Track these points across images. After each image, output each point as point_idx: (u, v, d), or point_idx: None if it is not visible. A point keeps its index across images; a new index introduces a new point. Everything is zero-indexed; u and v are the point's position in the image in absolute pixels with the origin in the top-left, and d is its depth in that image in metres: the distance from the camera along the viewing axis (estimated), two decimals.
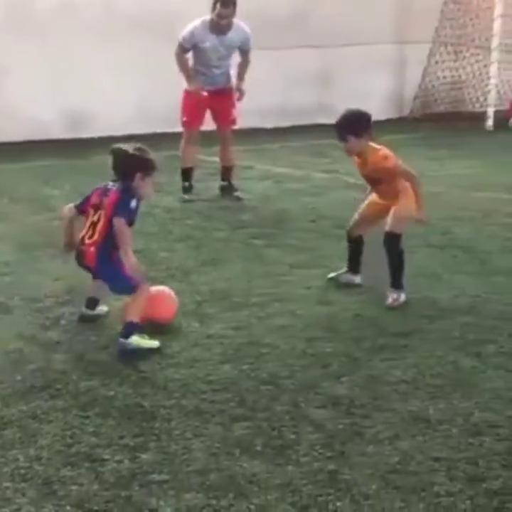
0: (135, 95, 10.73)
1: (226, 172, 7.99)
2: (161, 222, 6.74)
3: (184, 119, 7.72)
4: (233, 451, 3.12)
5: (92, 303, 4.52)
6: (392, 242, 4.88)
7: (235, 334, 4.31)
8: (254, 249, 5.98)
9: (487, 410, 3.45)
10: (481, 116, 12.58)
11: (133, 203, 4.26)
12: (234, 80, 7.75)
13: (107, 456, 3.06)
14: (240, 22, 7.56)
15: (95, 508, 2.76)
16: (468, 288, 5.08)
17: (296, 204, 7.47)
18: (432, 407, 3.48)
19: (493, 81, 12.51)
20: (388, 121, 13.33)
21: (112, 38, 10.55)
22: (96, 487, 2.86)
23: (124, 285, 4.22)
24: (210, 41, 7.47)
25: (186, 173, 7.81)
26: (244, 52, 7.72)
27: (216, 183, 8.28)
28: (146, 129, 10.47)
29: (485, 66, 12.75)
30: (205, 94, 7.56)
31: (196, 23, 7.53)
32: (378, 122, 13.85)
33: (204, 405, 3.50)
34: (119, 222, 4.19)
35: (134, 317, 4.16)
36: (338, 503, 2.79)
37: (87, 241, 4.28)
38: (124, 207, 4.23)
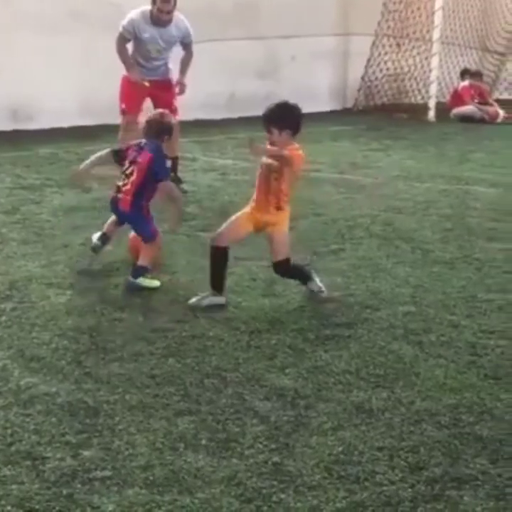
0: (77, 87, 10.59)
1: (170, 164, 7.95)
2: (105, 215, 6.66)
3: (123, 106, 7.64)
4: (177, 446, 3.11)
5: (106, 239, 5.23)
6: (285, 268, 4.68)
7: (179, 327, 4.29)
8: (200, 242, 5.95)
9: (428, 399, 3.50)
10: (423, 108, 12.76)
11: (168, 163, 5.19)
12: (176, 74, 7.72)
13: (48, 454, 3.02)
14: (180, 15, 7.51)
15: (36, 507, 2.71)
16: (410, 278, 5.14)
17: (242, 196, 7.44)
18: (375, 397, 3.52)
19: (434, 73, 12.70)
20: (333, 112, 13.45)
21: (52, 29, 10.38)
22: (37, 486, 2.82)
23: (146, 232, 5.01)
24: (149, 33, 7.43)
25: None
26: (186, 46, 7.69)
27: None
28: (90, 120, 10.35)
29: (426, 58, 12.94)
30: (146, 84, 7.51)
31: (136, 13, 7.47)
32: (323, 114, 14.11)
33: (148, 400, 3.47)
34: (168, 186, 5.09)
35: (146, 262, 4.94)
36: (283, 495, 2.80)
37: (123, 189, 4.97)
38: (163, 169, 5.08)
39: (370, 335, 4.23)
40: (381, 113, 12.95)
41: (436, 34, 12.50)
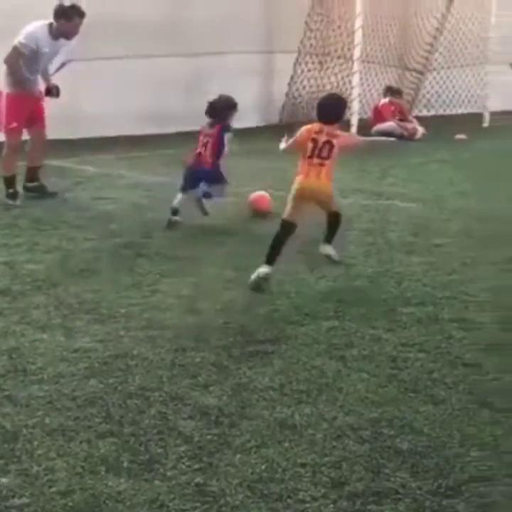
0: None
1: (33, 172, 7.89)
2: (28, 233, 6.55)
3: (14, 125, 7.55)
4: (98, 469, 3.05)
5: (176, 212, 6.77)
6: (337, 219, 5.71)
7: (102, 347, 4.23)
8: (124, 260, 5.90)
9: (350, 413, 3.53)
10: (346, 125, 12.97)
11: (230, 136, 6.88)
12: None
13: None
14: None
15: None
16: (333, 293, 5.20)
17: (167, 213, 7.43)
18: (298, 413, 3.53)
19: (355, 90, 12.92)
20: (259, 128, 13.53)
21: None
22: None
23: (223, 178, 6.86)
24: (49, 47, 7.51)
25: (11, 181, 7.63)
26: (68, 55, 7.91)
27: (85, 193, 8.15)
28: None
29: (348, 76, 13.16)
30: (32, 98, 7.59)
31: (38, 27, 7.48)
32: (249, 130, 14.13)
33: (68, 423, 3.41)
34: (227, 137, 6.90)
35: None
36: None
37: (203, 154, 6.85)
38: (228, 128, 6.90)
39: (293, 350, 4.26)
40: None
41: (356, 53, 12.73)
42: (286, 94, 13.55)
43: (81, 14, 7.55)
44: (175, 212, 6.79)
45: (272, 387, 3.80)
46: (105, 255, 6.00)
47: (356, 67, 12.84)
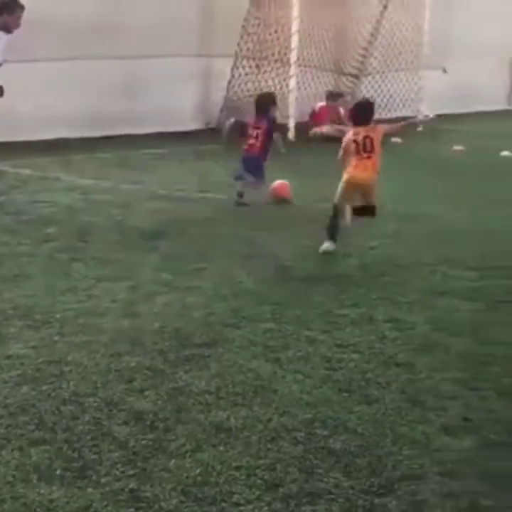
0: None
1: None
2: None
3: None
4: (30, 478, 3.00)
5: (241, 195, 7.81)
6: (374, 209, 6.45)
7: (35, 353, 4.17)
8: (59, 264, 5.83)
9: (285, 415, 3.56)
10: (284, 128, 13.04)
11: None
12: None
13: None
14: None
15: None
16: (270, 295, 5.23)
17: (103, 216, 7.37)
18: (234, 416, 3.54)
19: (292, 94, 13.00)
20: (197, 131, 13.51)
21: None
22: None
23: (260, 172, 7.86)
24: (4, 40, 7.48)
25: None
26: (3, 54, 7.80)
27: (21, 196, 8.02)
28: None
29: (285, 79, 13.24)
30: None
31: None
32: (187, 133, 14.09)
33: (0, 430, 3.34)
34: (277, 135, 8.12)
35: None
36: None
37: (253, 144, 7.90)
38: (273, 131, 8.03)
39: (230, 353, 4.26)
40: (244, 132, 13.13)
41: (293, 56, 12.81)
42: (225, 98, 13.56)
43: (22, 6, 7.55)
44: (240, 194, 7.86)
45: (207, 391, 3.80)
46: (40, 259, 5.91)
47: (293, 70, 12.92)
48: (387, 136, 6.63)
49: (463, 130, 11.09)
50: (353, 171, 6.35)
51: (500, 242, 6.77)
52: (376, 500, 2.93)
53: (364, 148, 6.36)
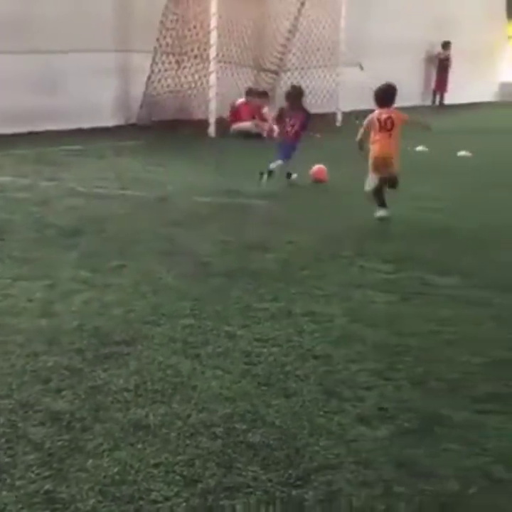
0: None
1: None
2: None
3: None
4: None
5: (289, 175, 9.10)
6: (396, 180, 7.58)
7: None
8: None
9: (204, 410, 3.56)
10: (205, 124, 13.04)
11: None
12: None
13: None
14: None
15: None
16: (190, 291, 5.22)
17: (21, 214, 7.22)
18: (152, 413, 3.52)
19: (213, 90, 13.01)
20: (116, 128, 13.37)
21: None
22: None
23: (289, 155, 9.05)
24: None
25: None
26: None
27: None
28: None
29: (205, 75, 13.23)
30: None
31: None
32: (106, 129, 13.94)
33: None
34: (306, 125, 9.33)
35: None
36: None
37: (290, 132, 9.11)
38: (308, 121, 9.28)
39: (149, 351, 4.24)
40: (164, 129, 13.06)
41: (212, 53, 12.81)
42: (144, 94, 13.45)
43: None
44: (288, 175, 9.09)
45: (126, 389, 3.76)
46: None
47: (212, 67, 12.92)
48: (406, 123, 7.59)
49: None
50: (376, 148, 7.47)
51: (414, 235, 6.94)
52: (293, 492, 2.96)
53: (385, 126, 7.45)
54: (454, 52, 19.83)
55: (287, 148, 9.08)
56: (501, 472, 3.13)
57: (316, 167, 9.41)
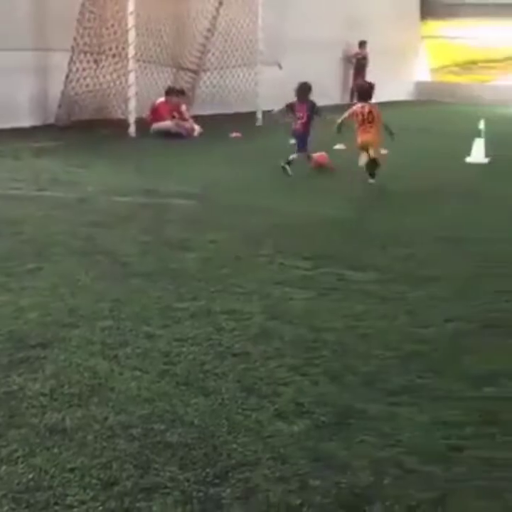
0: None
1: None
2: None
3: None
4: None
5: (289, 163, 9.74)
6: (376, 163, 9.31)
7: None
8: None
9: (122, 412, 3.53)
10: (124, 123, 12.91)
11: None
12: None
13: None
14: None
15: None
16: (110, 292, 5.17)
17: None
18: (69, 417, 3.47)
19: (132, 89, 12.89)
20: (34, 128, 13.10)
21: None
22: None
23: (305, 144, 9.92)
24: None
25: None
26: None
27: None
28: None
29: (124, 75, 13.10)
30: None
31: None
32: (23, 129, 13.63)
33: None
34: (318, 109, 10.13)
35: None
36: None
37: (299, 122, 9.92)
38: (314, 112, 10.02)
39: (66, 353, 4.18)
40: (83, 128, 12.86)
41: (131, 51, 12.69)
42: (62, 93, 13.22)
43: None
44: (289, 162, 9.72)
45: (42, 393, 3.70)
46: None
47: (131, 65, 12.80)
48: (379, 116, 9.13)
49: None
50: (359, 136, 9.12)
51: (332, 233, 7.04)
52: (211, 490, 2.97)
53: (367, 119, 9.06)
54: (369, 52, 20.18)
55: (300, 139, 10.00)
56: (413, 463, 3.21)
57: (317, 154, 10.15)
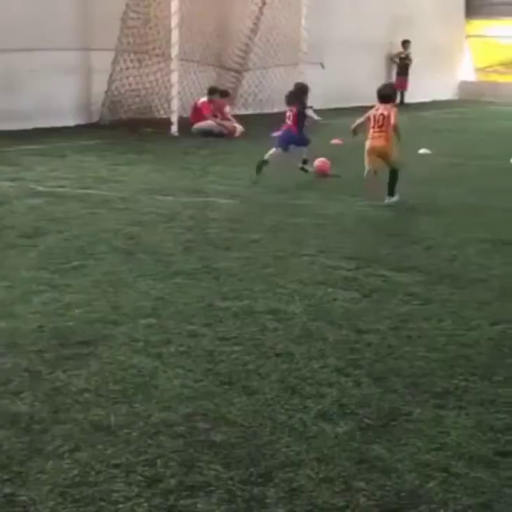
0: None
1: None
2: None
3: None
4: None
5: (305, 161, 9.71)
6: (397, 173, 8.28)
7: None
8: None
9: (166, 410, 3.55)
10: (167, 123, 12.98)
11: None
12: None
13: None
14: None
15: None
16: (152, 291, 5.20)
17: None
18: (114, 413, 3.50)
19: (175, 89, 12.95)
20: (78, 127, 13.26)
21: None
22: None
23: (305, 139, 9.67)
24: None
25: None
26: None
27: None
28: None
29: (167, 74, 13.16)
30: None
31: None
32: (68, 128, 13.81)
33: None
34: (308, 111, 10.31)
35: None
36: None
37: (290, 124, 9.63)
38: (304, 106, 9.90)
39: (110, 351, 4.21)
40: (126, 128, 12.97)
41: (174, 51, 12.75)
42: (106, 93, 13.35)
43: None
44: (265, 162, 9.34)
45: (86, 390, 3.74)
46: None
47: (174, 65, 12.86)
48: (393, 128, 8.19)
49: (341, 124, 11.35)
50: (369, 142, 8.23)
51: (374, 233, 6.99)
52: (255, 490, 2.97)
53: (377, 123, 8.18)
54: (413, 51, 20.01)
55: (283, 137, 9.67)
56: (459, 467, 3.17)
57: (320, 160, 9.82)
